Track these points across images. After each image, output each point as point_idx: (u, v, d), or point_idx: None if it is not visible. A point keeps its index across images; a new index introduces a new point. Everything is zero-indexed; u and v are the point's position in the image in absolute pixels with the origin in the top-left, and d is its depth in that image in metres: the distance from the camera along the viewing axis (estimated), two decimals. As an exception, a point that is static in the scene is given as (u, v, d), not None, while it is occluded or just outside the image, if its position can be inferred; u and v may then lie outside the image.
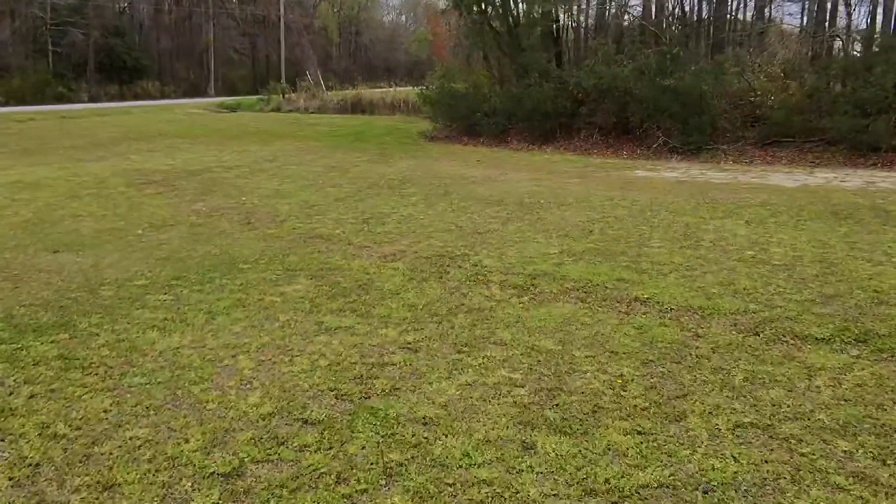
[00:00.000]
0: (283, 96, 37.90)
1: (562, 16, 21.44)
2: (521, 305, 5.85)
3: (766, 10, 21.30)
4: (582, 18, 22.92)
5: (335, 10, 62.95)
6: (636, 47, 18.64)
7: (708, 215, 9.48)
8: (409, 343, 5.01)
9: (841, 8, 22.19)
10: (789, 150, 16.08)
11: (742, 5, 22.39)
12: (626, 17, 22.89)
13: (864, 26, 22.67)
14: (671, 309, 5.70)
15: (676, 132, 16.80)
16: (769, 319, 5.43)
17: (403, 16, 74.46)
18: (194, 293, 6.16)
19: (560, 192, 11.67)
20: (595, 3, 20.58)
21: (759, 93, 16.71)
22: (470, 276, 6.76)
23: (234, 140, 20.93)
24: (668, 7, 23.10)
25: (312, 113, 34.44)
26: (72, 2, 44.59)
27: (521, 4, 22.84)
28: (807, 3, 26.61)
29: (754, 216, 9.37)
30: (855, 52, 19.52)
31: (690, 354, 4.79)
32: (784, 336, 5.11)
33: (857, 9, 23.39)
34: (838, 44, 23.82)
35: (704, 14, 21.91)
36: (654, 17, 21.12)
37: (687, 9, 21.24)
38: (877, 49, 17.15)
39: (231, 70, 54.62)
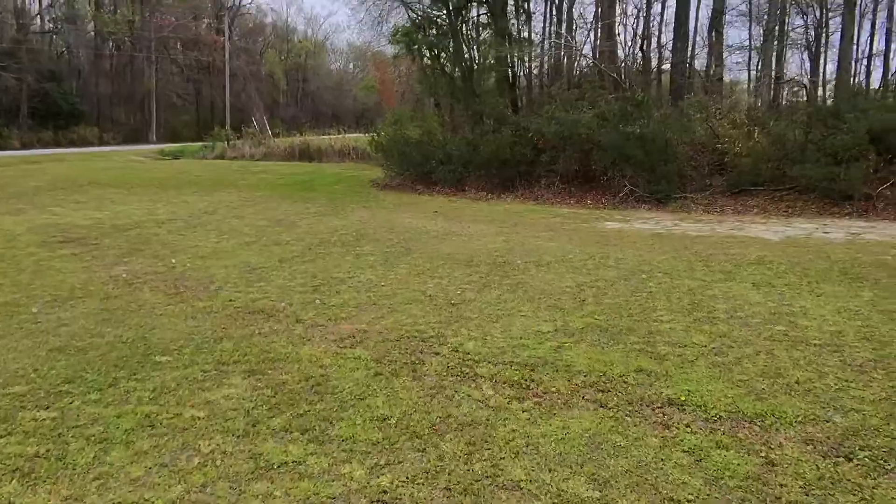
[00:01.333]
0: (228, 143, 36.15)
1: (517, 61, 20.46)
2: (525, 416, 4.39)
3: (723, 58, 20.85)
4: (536, 64, 22.01)
5: (282, 57, 61.66)
6: (597, 93, 17.72)
7: (708, 277, 8.23)
8: (385, 491, 3.49)
9: (790, 56, 21.85)
10: (759, 199, 15.19)
11: (697, 54, 21.97)
12: (583, 62, 22.11)
13: (821, 74, 22.42)
14: (719, 417, 4.32)
15: (643, 181, 15.79)
16: (851, 432, 4.10)
17: (351, 63, 73.62)
18: (88, 405, 4.51)
19: (534, 249, 10.33)
20: (551, 48, 19.71)
21: (725, 140, 15.86)
22: (451, 366, 5.29)
23: (173, 190, 19.14)
24: (625, 53, 22.45)
25: (258, 160, 32.78)
26: (4, 46, 42.18)
27: (474, 50, 21.91)
28: (752, 53, 26.48)
29: (759, 278, 8.16)
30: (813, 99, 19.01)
31: (778, 500, 3.39)
32: (885, 460, 3.76)
33: (814, 57, 23.12)
34: (785, 91, 23.54)
35: (663, 60, 21.31)
36: (612, 62, 20.36)
37: (647, 55, 20.54)
38: (838, 97, 16.58)
39: (174, 116, 52.52)
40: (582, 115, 16.68)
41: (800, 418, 4.28)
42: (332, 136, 36.59)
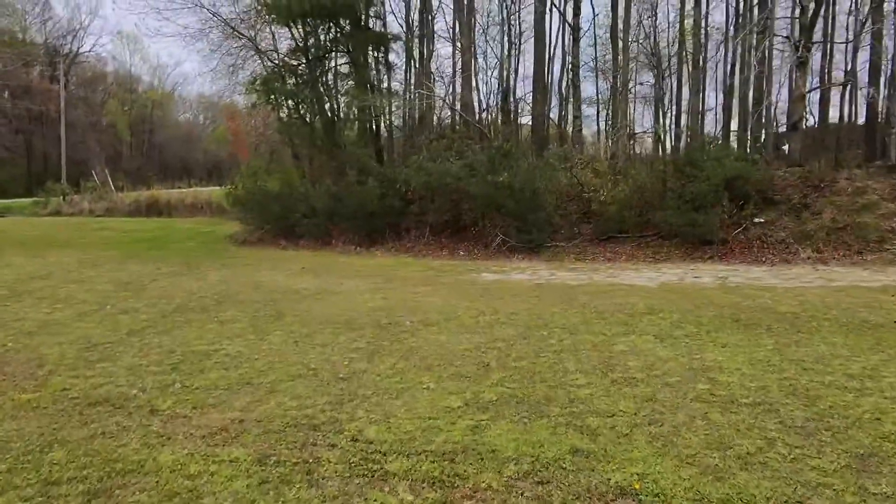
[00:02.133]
0: (64, 198, 32.86)
1: (380, 112, 19.88)
2: (461, 529, 3.48)
3: (581, 110, 21.40)
4: (398, 115, 21.54)
5: (125, 107, 57.88)
6: (464, 143, 17.41)
7: (607, 331, 7.74)
8: None
9: (638, 109, 22.85)
10: (626, 246, 15.32)
11: (553, 106, 22.49)
12: (447, 113, 21.90)
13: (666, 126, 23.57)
14: (685, 509, 3.63)
15: (514, 230, 15.51)
16: (832, 515, 3.53)
17: (201, 115, 70.49)
18: None
19: (416, 306, 9.50)
20: (414, 99, 19.32)
21: (591, 189, 15.98)
22: (354, 463, 4.28)
23: (-5, 251, 16.64)
24: (487, 104, 22.52)
25: (100, 216, 29.98)
26: None
27: (336, 100, 21.14)
28: (600, 106, 27.64)
29: (659, 329, 7.78)
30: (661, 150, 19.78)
31: None
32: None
33: (658, 110, 24.41)
34: (632, 142, 24.59)
35: (522, 112, 21.54)
36: (473, 114, 20.26)
37: (509, 107, 20.61)
38: (692, 146, 17.29)
39: (0, 170, 47.41)
40: (450, 166, 16.25)
41: (773, 502, 3.67)
42: (182, 190, 34.28)
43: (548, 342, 7.23)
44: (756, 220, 14.84)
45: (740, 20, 23.94)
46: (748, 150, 18.57)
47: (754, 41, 18.78)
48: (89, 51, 54.47)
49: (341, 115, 21.44)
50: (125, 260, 15.20)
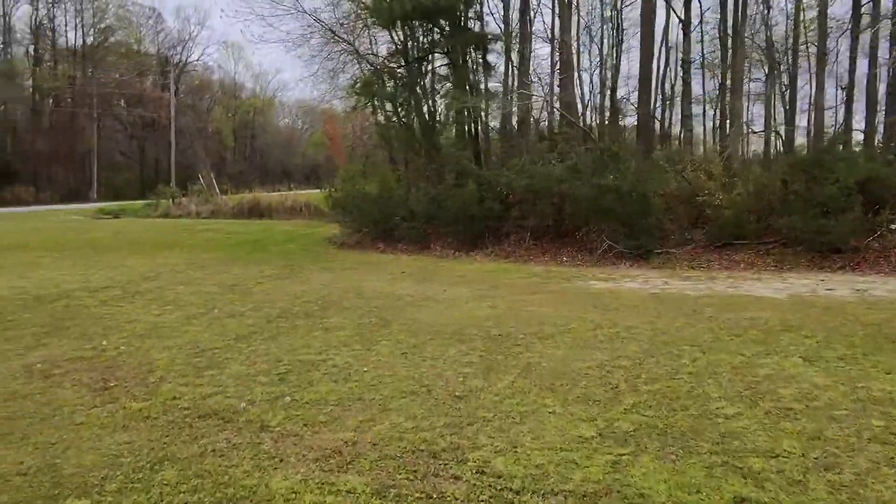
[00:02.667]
0: (173, 201, 34.12)
1: (479, 114, 19.44)
2: None
3: (691, 108, 20.31)
4: (495, 116, 21.03)
5: (229, 114, 60.07)
6: (569, 145, 16.73)
7: (745, 350, 6.95)
8: None
9: (747, 106, 21.45)
10: (744, 253, 14.23)
11: (658, 106, 21.42)
12: (547, 114, 21.24)
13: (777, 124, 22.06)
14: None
15: (621, 235, 14.70)
16: None
17: (300, 120, 72.40)
18: None
19: (527, 317, 8.95)
20: (515, 99, 18.77)
21: (706, 192, 14.95)
22: (484, 502, 3.79)
23: (111, 252, 17.22)
24: (590, 105, 21.70)
25: (206, 218, 30.91)
26: (-66, 102, 39.64)
27: (434, 102, 20.86)
28: (707, 105, 26.20)
29: (804, 350, 6.93)
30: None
31: None
32: None
33: (780, 107, 22.87)
34: (745, 141, 23.11)
35: (627, 112, 20.60)
36: (576, 114, 19.50)
37: (615, 107, 19.72)
38: (817, 146, 15.96)
39: (116, 174, 50.06)
40: (553, 168, 15.60)
41: None
42: (282, 193, 34.99)
43: (679, 362, 6.53)
44: (893, 226, 13.46)
45: (861, 10, 22.13)
46: (878, 150, 16.99)
47: (888, 31, 17.19)
48: (197, 60, 56.95)
49: (439, 117, 21.15)
50: (229, 262, 15.36)
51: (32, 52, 48.12)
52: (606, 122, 20.59)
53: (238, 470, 4.24)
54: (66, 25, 48.69)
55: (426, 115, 20.68)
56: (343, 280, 12.63)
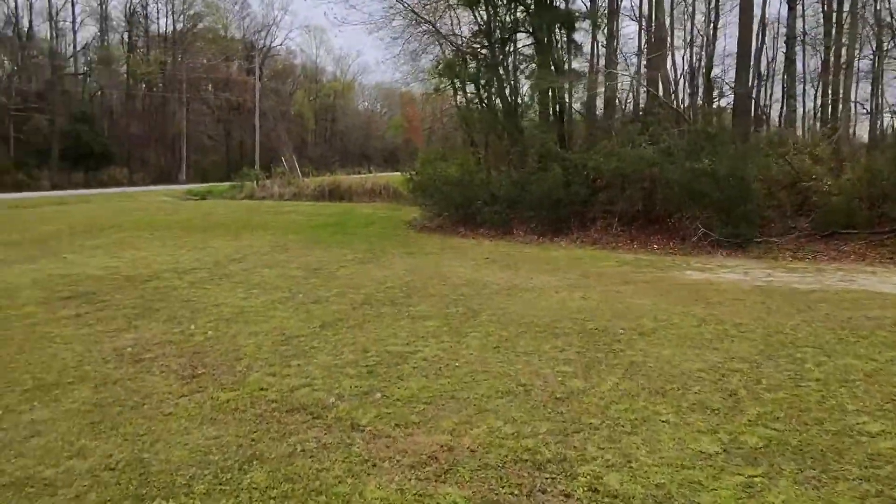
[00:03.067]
0: (257, 183, 34.75)
1: (564, 95, 18.71)
2: None
3: (795, 88, 18.95)
4: (580, 96, 20.24)
5: (311, 98, 60.87)
6: (661, 127, 15.87)
7: (876, 354, 6.23)
8: None
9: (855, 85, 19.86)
10: (854, 244, 13.14)
11: (755, 85, 20.10)
12: (636, 95, 20.27)
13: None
14: None
15: (717, 222, 13.82)
16: None
17: (378, 103, 72.79)
18: None
19: (622, 309, 8.40)
20: (604, 79, 17.95)
21: (812, 177, 13.88)
22: (601, 527, 3.37)
23: (199, 233, 17.52)
24: (683, 85, 20.61)
25: (288, 200, 31.32)
26: (37, 87, 41.57)
27: (517, 83, 20.25)
28: (808, 85, 24.55)
29: (948, 356, 6.16)
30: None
31: None
32: None
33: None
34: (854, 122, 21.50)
35: (723, 92, 19.45)
36: (667, 95, 18.49)
37: (710, 86, 18.58)
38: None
39: (203, 156, 51.57)
40: (643, 151, 14.81)
41: None
42: (362, 176, 35.10)
43: (803, 367, 5.88)
44: None
45: None
46: None
47: None
48: (280, 44, 57.95)
49: (522, 98, 20.55)
50: (312, 244, 15.32)
51: (126, 39, 49.95)
52: (700, 103, 19.49)
53: (329, 475, 3.95)
54: (157, 13, 50.40)
55: (509, 97, 20.11)
56: (426, 265, 12.34)
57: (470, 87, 21.64)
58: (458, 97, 23.10)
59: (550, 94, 18.92)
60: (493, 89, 20.63)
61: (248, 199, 32.59)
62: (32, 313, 8.22)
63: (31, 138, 40.07)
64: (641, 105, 20.89)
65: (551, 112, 19.51)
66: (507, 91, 20.05)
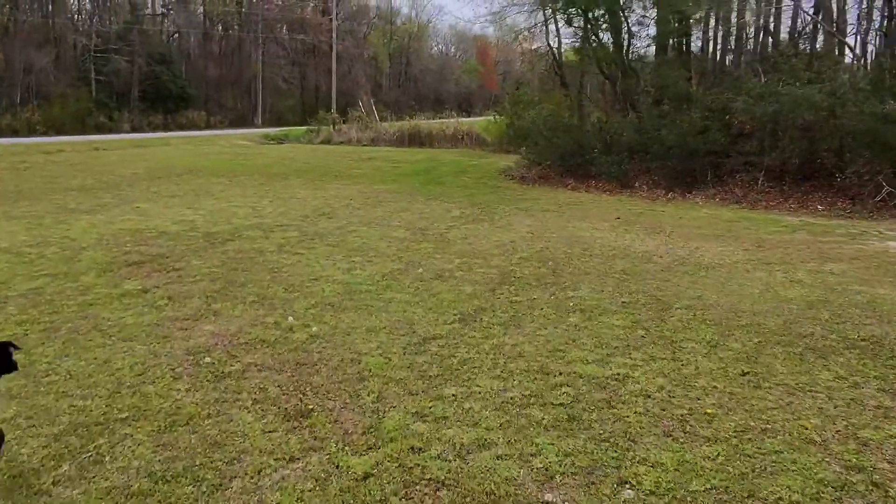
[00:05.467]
0: (334, 127, 32.69)
1: (692, 27, 15.70)
2: None
3: None
4: (716, 28, 17.10)
5: (385, 39, 58.11)
6: (827, 63, 12.84)
7: None
8: None
9: None
10: None
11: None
12: (796, 24, 16.92)
13: None
14: None
15: (907, 179, 10.96)
16: None
17: (452, 47, 69.38)
18: None
19: (864, 301, 5.92)
20: (753, 6, 14.84)
21: None
22: None
23: (279, 180, 15.57)
24: (861, 12, 17.02)
25: (365, 145, 29.16)
26: (117, 28, 40.25)
27: (627, 15, 17.25)
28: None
29: None
30: None
31: None
32: None
33: None
34: None
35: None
36: (833, 24, 15.14)
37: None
38: None
39: (279, 100, 49.74)
40: (809, 91, 11.90)
41: None
42: (443, 121, 32.57)
43: None
44: None
45: None
46: None
47: None
48: (355, -16, 54.95)
49: (633, 33, 17.58)
50: (407, 196, 13.15)
51: (203, -21, 48.08)
52: (878, 34, 16.04)
53: None
54: (233, -49, 48.08)
55: (622, 32, 17.19)
56: (551, 226, 10.01)
57: (576, 21, 18.75)
58: (551, 38, 20.22)
59: (678, 25, 15.93)
60: (602, 23, 17.75)
61: (325, 143, 30.60)
62: (90, 286, 6.31)
63: (111, 80, 38.91)
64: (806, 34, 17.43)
65: (680, 46, 16.52)
66: (624, 28, 17.12)
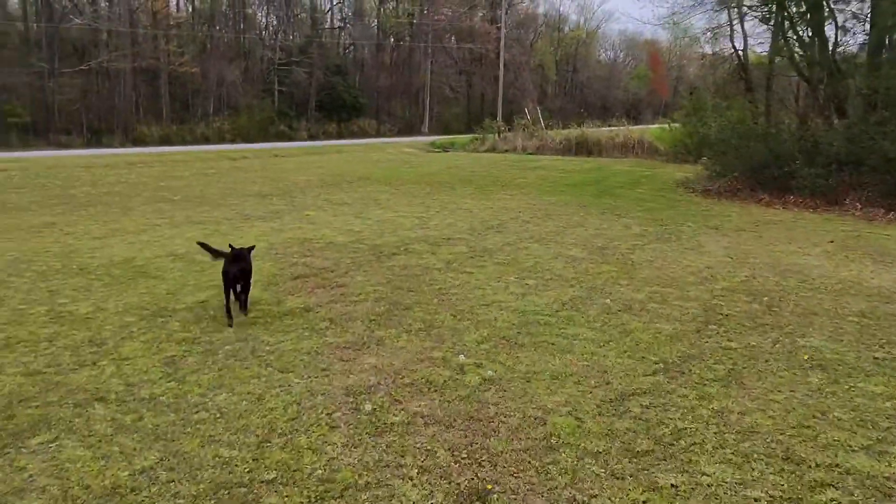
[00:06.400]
0: (499, 135, 32.20)
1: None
2: None
3: None
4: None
5: (552, 47, 57.03)
6: None
7: None
8: None
9: None
10: None
11: None
12: None
13: None
14: None
15: None
16: None
17: (621, 53, 66.89)
18: None
19: None
20: None
21: None
22: None
23: (446, 188, 15.16)
24: None
25: (531, 154, 28.33)
26: (299, 42, 42.54)
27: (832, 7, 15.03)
28: None
29: None
30: None
31: None
32: None
33: None
34: None
35: None
36: None
37: None
38: None
39: (445, 108, 50.32)
40: None
41: None
42: (612, 129, 30.99)
43: None
44: None
45: None
46: None
47: None
48: (524, -8, 54.45)
49: (847, 28, 15.31)
50: (578, 209, 12.15)
51: (379, -7, 49.78)
52: None
53: None
54: (406, -35, 49.31)
55: (824, 29, 15.01)
56: (751, 249, 8.61)
57: (752, 24, 16.74)
58: (736, 40, 18.19)
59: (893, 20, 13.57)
60: (800, 21, 15.64)
61: (490, 151, 30.16)
62: (254, 301, 6.00)
63: (292, 91, 41.18)
64: None
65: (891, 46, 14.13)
66: (830, 25, 14.94)
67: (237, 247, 5.53)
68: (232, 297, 5.56)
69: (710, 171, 16.30)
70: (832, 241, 9.38)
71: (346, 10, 47.94)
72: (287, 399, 3.98)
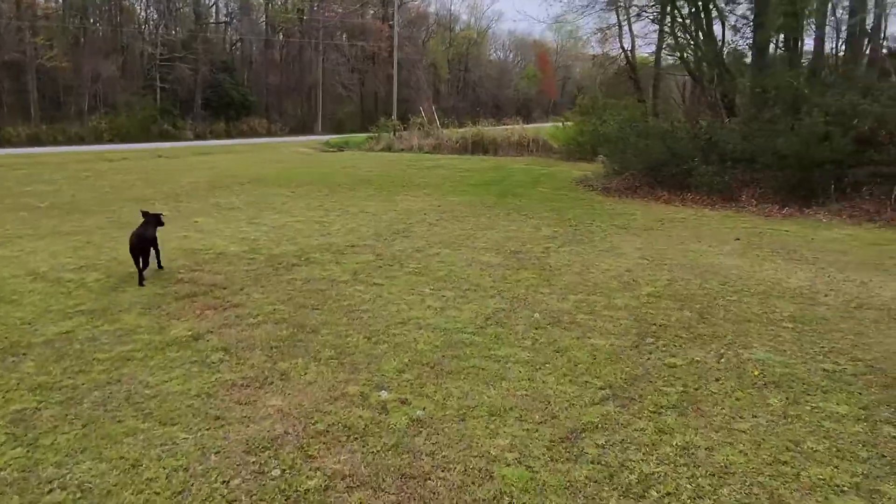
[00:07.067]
0: (395, 134, 31.51)
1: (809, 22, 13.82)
2: None
3: None
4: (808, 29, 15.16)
5: (444, 46, 56.87)
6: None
7: None
8: None
9: None
10: None
11: None
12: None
13: None
14: None
15: None
16: None
17: (511, 53, 67.75)
18: None
19: None
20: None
21: None
22: None
23: (345, 190, 14.32)
24: None
25: (427, 153, 27.81)
26: (182, 37, 40.01)
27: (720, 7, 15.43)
28: None
29: None
30: None
31: None
32: None
33: None
34: None
35: None
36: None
37: None
38: None
39: (339, 107, 48.91)
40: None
41: None
42: (508, 127, 30.99)
43: None
44: None
45: None
46: None
47: None
48: (415, -9, 53.90)
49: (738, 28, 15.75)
50: (484, 210, 11.69)
51: (265, -12, 47.73)
52: None
53: None
54: (295, -41, 47.55)
55: (713, 29, 15.40)
56: (664, 249, 8.41)
57: (640, 25, 17.02)
58: (624, 41, 18.48)
59: (780, 20, 14.05)
60: (690, 21, 15.99)
61: (386, 150, 29.39)
62: (130, 330, 5.04)
63: (175, 88, 38.63)
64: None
65: (793, 43, 14.58)
66: (719, 27, 15.33)
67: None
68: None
69: (608, 169, 16.35)
70: (738, 239, 9.36)
71: (231, 4, 45.61)
72: (171, 464, 3.14)
